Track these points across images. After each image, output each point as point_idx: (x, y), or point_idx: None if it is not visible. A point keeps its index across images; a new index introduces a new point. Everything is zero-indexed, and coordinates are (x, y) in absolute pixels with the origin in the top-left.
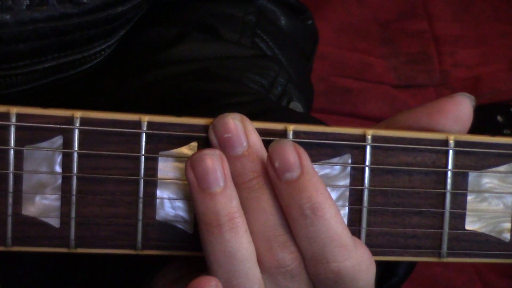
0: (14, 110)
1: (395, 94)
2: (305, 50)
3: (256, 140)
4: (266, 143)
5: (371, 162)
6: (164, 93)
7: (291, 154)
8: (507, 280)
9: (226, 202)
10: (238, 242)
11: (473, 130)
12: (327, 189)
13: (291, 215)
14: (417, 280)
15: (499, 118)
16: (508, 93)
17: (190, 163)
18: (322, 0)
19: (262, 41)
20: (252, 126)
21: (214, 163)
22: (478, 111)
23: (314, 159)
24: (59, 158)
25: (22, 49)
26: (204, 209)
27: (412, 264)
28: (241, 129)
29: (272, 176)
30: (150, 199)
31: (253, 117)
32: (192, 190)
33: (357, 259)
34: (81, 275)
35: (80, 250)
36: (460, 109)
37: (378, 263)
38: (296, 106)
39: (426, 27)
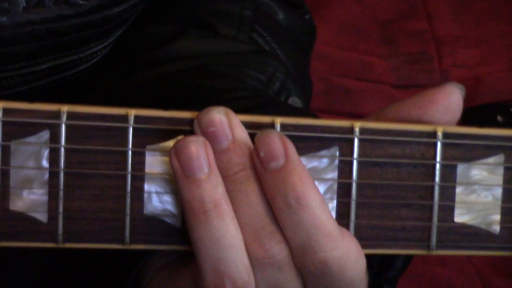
0: (0, 105)
1: (395, 94)
2: (303, 44)
3: (242, 133)
4: (254, 137)
5: (359, 155)
6: (161, 91)
7: (277, 143)
8: (507, 280)
9: (211, 188)
10: (225, 228)
11: None
12: (312, 179)
13: (277, 205)
14: (416, 279)
15: (499, 118)
16: (508, 93)
17: (174, 150)
18: (322, 0)
19: (259, 36)
20: (237, 120)
21: (198, 149)
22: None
23: (302, 152)
24: (46, 153)
25: (18, 51)
26: (189, 196)
27: (409, 257)
28: (226, 123)
29: (258, 166)
30: (138, 193)
31: (249, 111)
32: (177, 177)
33: (344, 249)
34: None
35: (68, 245)
36: (450, 99)
37: (376, 257)
38: (295, 101)
39: (426, 27)
